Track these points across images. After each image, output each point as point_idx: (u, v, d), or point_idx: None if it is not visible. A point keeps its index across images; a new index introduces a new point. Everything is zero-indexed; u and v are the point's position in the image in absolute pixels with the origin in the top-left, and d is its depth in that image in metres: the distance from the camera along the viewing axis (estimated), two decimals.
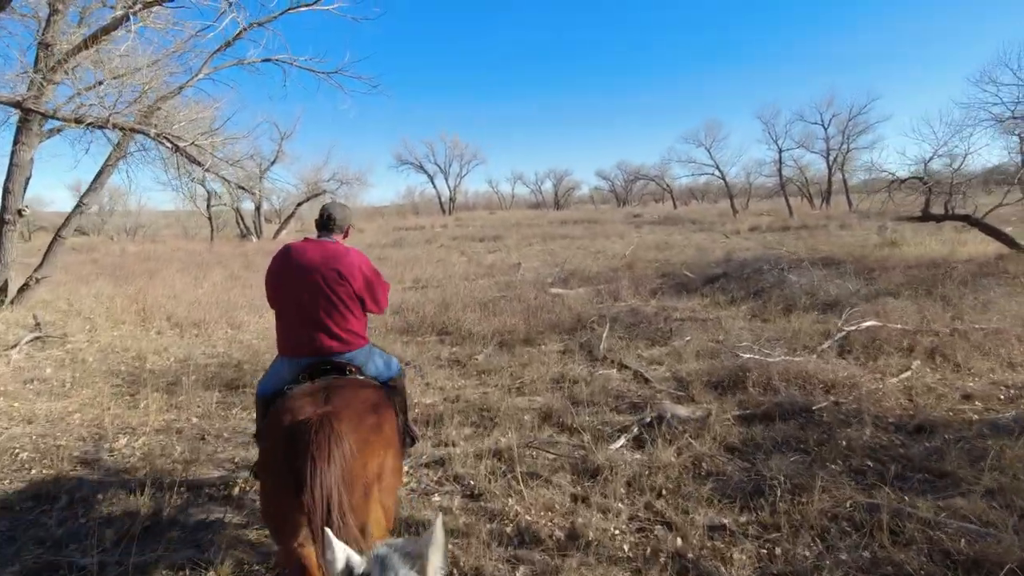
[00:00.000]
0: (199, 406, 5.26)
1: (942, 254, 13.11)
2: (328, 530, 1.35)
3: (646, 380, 5.61)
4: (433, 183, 56.32)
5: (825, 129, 37.14)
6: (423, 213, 55.39)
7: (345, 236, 2.88)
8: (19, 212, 8.86)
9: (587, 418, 4.70)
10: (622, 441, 4.11)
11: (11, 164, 8.65)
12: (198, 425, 4.82)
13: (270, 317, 8.15)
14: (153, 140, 6.39)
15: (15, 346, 6.97)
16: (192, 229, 35.72)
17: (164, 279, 13.15)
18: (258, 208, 30.03)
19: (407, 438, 2.97)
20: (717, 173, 38.24)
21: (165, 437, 4.59)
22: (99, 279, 13.54)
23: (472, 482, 3.61)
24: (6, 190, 8.74)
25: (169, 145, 6.24)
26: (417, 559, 1.23)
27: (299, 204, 30.44)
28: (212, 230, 27.87)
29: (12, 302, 9.06)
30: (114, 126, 6.24)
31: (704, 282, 11.04)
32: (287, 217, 30.11)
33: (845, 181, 36.40)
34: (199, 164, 6.53)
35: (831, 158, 37.22)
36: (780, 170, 35.44)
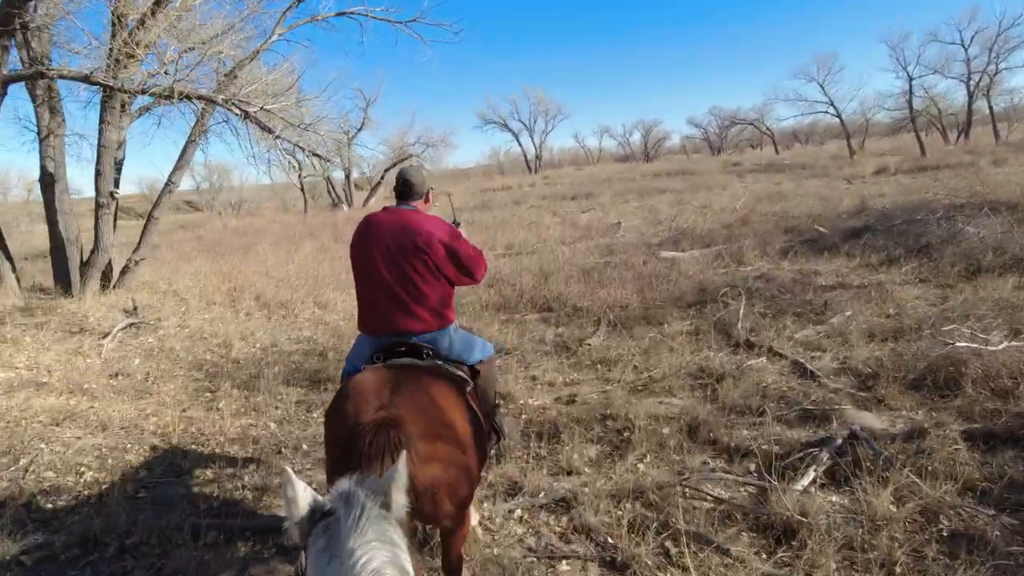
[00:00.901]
0: (278, 407, 4.66)
1: None
2: (287, 467, 1.27)
3: (812, 375, 4.38)
4: (518, 141, 54.96)
5: (966, 49, 31.92)
6: (509, 173, 54.40)
7: (426, 202, 2.62)
8: (111, 195, 8.75)
9: (747, 432, 3.61)
10: (811, 476, 2.99)
11: (99, 145, 8.49)
12: (275, 434, 4.20)
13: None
14: (223, 107, 5.78)
15: (108, 334, 6.78)
16: (290, 201, 36.83)
17: (257, 254, 13.11)
18: (348, 176, 30.29)
19: (491, 434, 2.68)
20: (831, 110, 34.19)
21: (240, 448, 4.00)
22: (200, 256, 13.76)
23: (610, 540, 2.66)
24: (97, 173, 8.62)
25: (238, 112, 5.61)
26: (382, 495, 1.21)
27: (386, 170, 30.35)
28: (305, 201, 28.42)
29: (115, 286, 9.07)
30: (180, 95, 5.68)
31: (843, 238, 9.33)
32: (375, 184, 30.18)
33: (991, 109, 31.39)
34: (269, 131, 5.87)
35: (972, 83, 32.10)
36: (910, 101, 30.98)
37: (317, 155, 6.23)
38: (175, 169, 8.86)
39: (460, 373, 2.38)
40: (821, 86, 33.68)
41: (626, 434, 3.73)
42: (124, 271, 9.20)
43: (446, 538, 2.07)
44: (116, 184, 9.01)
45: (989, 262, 6.88)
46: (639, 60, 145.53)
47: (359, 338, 2.55)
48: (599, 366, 5.03)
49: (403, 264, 2.34)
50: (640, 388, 4.46)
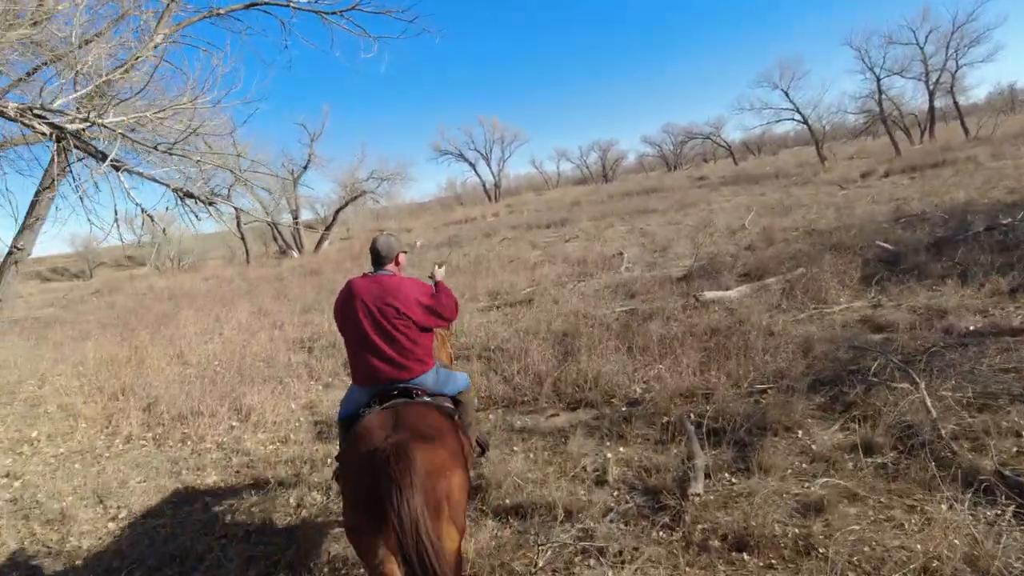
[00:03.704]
0: None
1: None
2: None
3: None
4: (476, 171, 53.05)
5: (922, 49, 31.54)
6: (468, 203, 52.32)
7: (398, 264, 2.89)
8: None
9: None
10: None
11: None
12: None
13: (296, 388, 4.83)
14: (16, 123, 3.29)
15: None
16: (239, 250, 33.40)
17: (177, 326, 10.36)
18: (295, 219, 27.51)
19: (477, 447, 3.21)
20: (798, 117, 33.25)
21: None
22: (103, 333, 10.89)
23: None
24: None
25: (44, 131, 3.14)
26: None
27: (338, 209, 27.71)
28: (247, 250, 25.42)
29: None
30: None
31: (929, 255, 7.28)
32: (327, 226, 27.43)
33: (957, 105, 30.89)
34: (100, 157, 3.41)
35: (932, 81, 31.63)
36: (880, 102, 30.19)
37: (190, 195, 3.78)
38: (21, 229, 6.23)
39: (447, 405, 2.73)
40: (786, 92, 32.75)
41: None
42: None
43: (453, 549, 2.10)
44: None
45: None
46: (591, 82, 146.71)
47: (352, 388, 2.78)
48: (748, 562, 2.62)
49: (386, 325, 2.60)
50: None
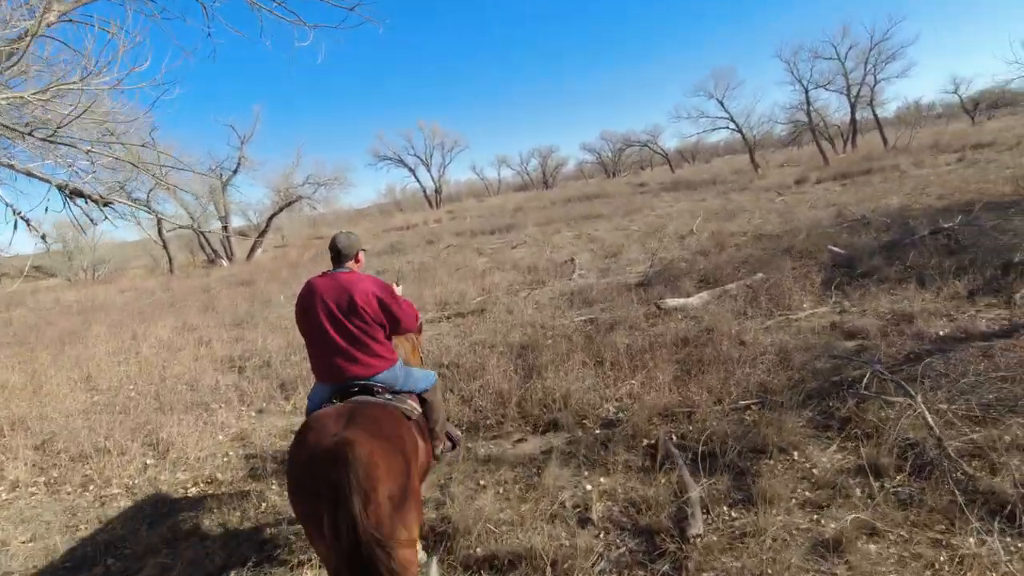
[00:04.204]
0: None
1: None
2: None
3: None
4: (415, 176, 52.02)
5: (843, 63, 33.25)
6: (408, 209, 51.27)
7: (357, 262, 2.88)
8: None
9: None
10: None
11: None
12: None
13: (225, 416, 4.31)
14: None
15: None
16: (162, 259, 31.18)
17: (86, 344, 9.26)
18: (225, 226, 25.94)
19: (447, 442, 3.21)
20: (732, 125, 34.30)
21: None
22: None
23: None
24: None
25: None
26: None
27: (272, 216, 26.33)
28: (170, 259, 23.71)
29: None
30: None
31: (883, 259, 7.31)
32: (260, 233, 26.01)
33: (876, 117, 32.65)
34: None
35: (853, 94, 33.40)
36: (808, 113, 31.52)
37: (79, 193, 3.11)
38: None
39: (409, 403, 2.70)
40: (720, 102, 33.69)
41: None
42: None
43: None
44: None
45: None
46: (531, 89, 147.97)
47: (316, 385, 2.77)
48: None
49: (344, 321, 2.61)
50: None
